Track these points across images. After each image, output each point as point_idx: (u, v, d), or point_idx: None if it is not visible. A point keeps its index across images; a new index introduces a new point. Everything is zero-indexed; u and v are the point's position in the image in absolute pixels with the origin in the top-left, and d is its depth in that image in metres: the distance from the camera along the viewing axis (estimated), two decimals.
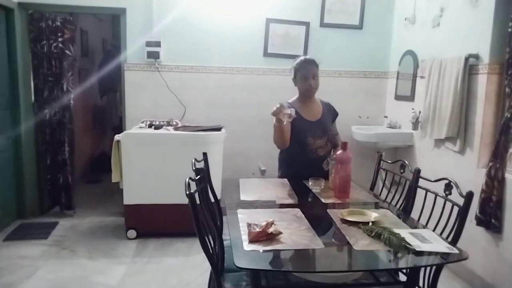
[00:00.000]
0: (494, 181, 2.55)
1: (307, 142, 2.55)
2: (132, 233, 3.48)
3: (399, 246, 1.54)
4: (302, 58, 2.65)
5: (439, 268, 1.75)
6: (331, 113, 2.73)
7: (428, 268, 1.77)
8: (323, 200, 2.16)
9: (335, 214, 1.92)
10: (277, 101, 2.74)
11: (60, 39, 3.84)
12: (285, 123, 2.38)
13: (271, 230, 1.60)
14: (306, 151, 2.56)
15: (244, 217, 1.84)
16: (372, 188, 2.56)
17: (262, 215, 1.83)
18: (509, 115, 2.49)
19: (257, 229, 1.59)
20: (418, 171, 2.17)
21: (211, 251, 1.64)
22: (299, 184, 2.42)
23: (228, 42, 4.03)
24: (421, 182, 2.14)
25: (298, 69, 2.59)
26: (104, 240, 3.47)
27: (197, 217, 1.55)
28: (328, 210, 2.01)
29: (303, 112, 2.60)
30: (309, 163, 2.55)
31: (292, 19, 4.06)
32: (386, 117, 4.22)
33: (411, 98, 3.73)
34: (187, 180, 1.65)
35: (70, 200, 4.05)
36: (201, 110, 4.06)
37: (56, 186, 4.02)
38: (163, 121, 3.76)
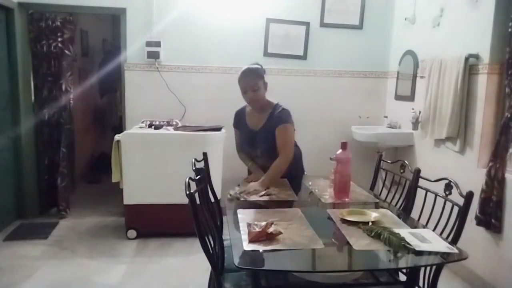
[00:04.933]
0: (494, 181, 2.55)
1: (244, 150, 2.67)
2: (132, 233, 3.48)
3: (399, 246, 1.54)
4: (244, 68, 2.55)
5: (439, 268, 1.75)
6: (273, 124, 2.50)
7: (428, 268, 1.77)
8: (323, 200, 2.17)
9: (335, 214, 1.92)
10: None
11: (60, 39, 3.84)
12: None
13: (271, 230, 1.60)
14: (250, 157, 2.67)
15: (244, 217, 1.84)
16: (372, 188, 2.56)
17: (262, 215, 1.83)
18: (509, 115, 2.49)
19: (257, 229, 1.59)
20: (418, 171, 2.17)
21: (211, 251, 1.64)
22: (299, 184, 2.41)
23: (228, 42, 4.03)
24: (421, 182, 2.14)
25: (239, 81, 2.53)
26: (104, 240, 3.47)
27: (197, 217, 1.55)
28: (328, 210, 2.01)
29: (249, 120, 2.62)
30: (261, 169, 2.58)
31: (292, 19, 4.06)
32: (386, 117, 4.22)
33: (411, 98, 3.73)
34: (187, 180, 1.65)
35: (67, 201, 4.00)
36: (201, 110, 4.06)
37: (56, 186, 4.02)
38: (163, 121, 3.76)
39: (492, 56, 2.72)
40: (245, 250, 1.52)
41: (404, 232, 1.67)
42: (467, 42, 2.93)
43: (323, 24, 4.11)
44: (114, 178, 3.45)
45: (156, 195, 3.42)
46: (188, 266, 3.06)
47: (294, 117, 2.59)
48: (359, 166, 3.25)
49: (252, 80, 2.49)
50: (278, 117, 2.50)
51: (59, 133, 3.98)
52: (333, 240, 1.75)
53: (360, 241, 1.61)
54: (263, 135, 2.53)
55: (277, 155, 2.46)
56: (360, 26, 4.16)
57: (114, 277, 2.86)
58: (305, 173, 2.73)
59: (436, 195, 1.99)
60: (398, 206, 2.25)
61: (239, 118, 2.69)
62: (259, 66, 2.58)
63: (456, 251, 1.54)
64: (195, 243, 2.92)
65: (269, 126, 2.52)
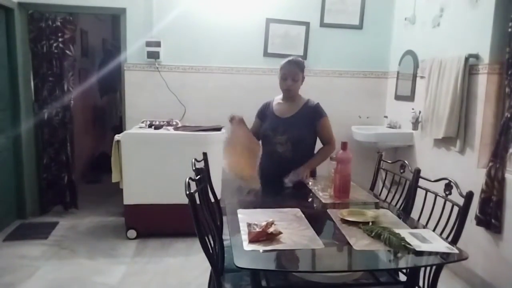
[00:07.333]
0: (494, 181, 2.56)
1: (267, 134, 2.65)
2: (132, 233, 3.48)
3: (399, 246, 1.54)
4: (289, 58, 2.62)
5: (439, 268, 1.76)
6: (311, 116, 2.60)
7: (428, 268, 1.77)
8: (323, 200, 2.17)
9: (335, 214, 1.92)
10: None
11: (60, 39, 3.84)
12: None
13: (271, 230, 1.60)
14: (266, 144, 2.66)
15: (244, 217, 1.84)
16: (372, 188, 2.56)
17: (262, 215, 1.83)
18: (509, 115, 2.49)
19: (257, 229, 1.59)
20: (418, 171, 2.17)
21: (211, 251, 1.65)
22: (299, 184, 2.42)
23: (228, 42, 4.03)
24: (421, 182, 2.14)
25: (281, 68, 2.60)
26: (104, 240, 3.47)
27: (197, 217, 1.56)
28: (328, 210, 2.01)
29: (277, 110, 2.67)
30: (271, 158, 2.63)
31: (292, 19, 4.06)
32: (386, 117, 4.22)
33: (411, 98, 3.73)
34: (187, 180, 1.65)
35: (74, 198, 4.08)
36: (201, 110, 4.06)
37: (56, 185, 4.03)
38: (163, 121, 3.76)
39: (492, 56, 2.73)
40: (245, 250, 1.52)
41: (404, 232, 1.67)
42: (467, 42, 2.93)
43: (323, 24, 4.11)
44: (114, 178, 3.45)
45: (156, 195, 3.42)
46: (188, 266, 3.06)
47: None
48: (359, 166, 3.24)
49: (295, 69, 2.57)
50: (318, 110, 2.62)
51: (59, 133, 3.98)
52: (333, 240, 1.75)
53: (360, 241, 1.61)
54: (294, 122, 2.58)
55: (300, 145, 2.55)
56: (360, 26, 4.16)
57: (114, 277, 2.86)
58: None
59: (436, 195, 1.99)
60: (398, 206, 2.25)
61: (266, 108, 2.75)
62: (302, 60, 2.66)
63: (456, 251, 1.54)
64: (195, 243, 2.93)
65: (303, 115, 2.59)
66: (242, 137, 2.53)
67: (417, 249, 1.53)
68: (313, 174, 2.64)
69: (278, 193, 2.36)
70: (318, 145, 2.71)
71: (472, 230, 2.66)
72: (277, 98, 2.73)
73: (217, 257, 1.74)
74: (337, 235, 1.72)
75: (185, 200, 1.53)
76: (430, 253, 1.54)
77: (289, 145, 2.57)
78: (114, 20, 5.72)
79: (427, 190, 2.06)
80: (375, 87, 4.29)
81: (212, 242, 1.71)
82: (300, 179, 2.43)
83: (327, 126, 2.64)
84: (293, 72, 2.56)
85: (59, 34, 3.84)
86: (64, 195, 4.05)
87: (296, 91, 2.63)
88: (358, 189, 2.39)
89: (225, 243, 1.93)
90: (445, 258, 1.54)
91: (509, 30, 2.54)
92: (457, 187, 1.87)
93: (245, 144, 2.51)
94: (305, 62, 2.68)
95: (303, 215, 1.90)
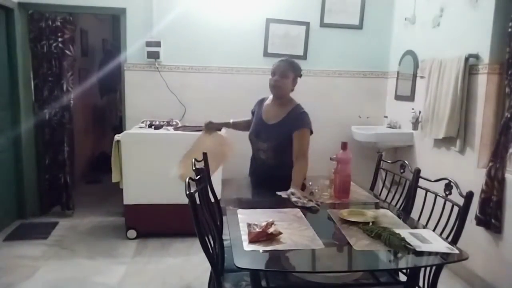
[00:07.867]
0: (494, 181, 2.56)
1: (250, 139, 2.62)
2: (132, 233, 3.48)
3: (399, 246, 1.54)
4: (282, 58, 2.56)
5: (439, 268, 1.76)
6: (291, 124, 2.42)
7: (428, 268, 1.77)
8: (323, 200, 2.17)
9: (335, 214, 1.92)
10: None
11: (60, 39, 3.84)
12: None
13: (271, 230, 1.60)
14: (252, 148, 2.64)
15: (244, 217, 1.84)
16: (372, 188, 2.56)
17: (262, 215, 1.83)
18: (509, 115, 2.49)
19: (257, 229, 1.60)
20: (418, 171, 2.17)
21: (211, 251, 1.65)
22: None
23: (228, 42, 4.03)
24: (421, 182, 2.14)
25: (273, 65, 2.51)
26: (104, 240, 3.47)
27: (197, 217, 1.56)
28: (328, 210, 2.01)
29: (265, 112, 2.57)
30: (257, 163, 2.61)
31: (292, 19, 4.06)
32: (386, 117, 4.22)
33: (411, 98, 3.73)
34: (187, 180, 1.65)
35: (69, 200, 4.06)
36: (201, 110, 4.06)
37: (56, 186, 4.03)
38: (163, 121, 3.76)
39: (492, 56, 2.73)
40: (245, 250, 1.52)
41: (405, 232, 1.67)
42: (467, 42, 2.93)
43: (323, 24, 4.11)
44: (114, 178, 3.45)
45: (156, 195, 3.42)
46: (188, 266, 3.06)
47: None
48: (359, 166, 3.24)
49: (284, 66, 2.46)
50: (301, 119, 2.43)
51: (59, 133, 3.98)
52: (333, 240, 1.75)
53: (360, 242, 1.61)
54: (277, 129, 2.45)
55: (282, 154, 2.42)
56: (360, 26, 4.16)
57: (114, 277, 2.86)
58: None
59: (436, 195, 1.99)
60: (398, 206, 2.25)
61: (258, 106, 2.67)
62: (297, 63, 2.55)
63: (456, 251, 1.54)
64: (195, 243, 2.93)
65: (287, 122, 2.44)
66: (210, 145, 2.60)
67: (417, 249, 1.53)
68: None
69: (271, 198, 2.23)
70: None
71: (472, 230, 2.66)
72: (271, 97, 2.62)
73: (217, 257, 1.74)
74: (337, 235, 1.72)
75: (185, 200, 1.53)
76: (430, 253, 1.54)
77: (270, 153, 2.48)
78: (114, 20, 5.72)
79: (427, 190, 2.06)
80: (375, 87, 4.29)
81: (212, 242, 1.71)
82: (299, 201, 2.11)
83: (302, 139, 2.39)
84: (282, 68, 2.43)
85: (59, 34, 3.83)
86: (62, 196, 4.04)
87: (284, 91, 2.48)
88: (358, 189, 2.39)
89: (225, 243, 1.93)
90: (445, 258, 1.54)
91: (509, 30, 2.54)
92: (457, 187, 1.88)
93: (211, 150, 2.53)
94: (305, 64, 2.63)
95: (303, 215, 1.90)
